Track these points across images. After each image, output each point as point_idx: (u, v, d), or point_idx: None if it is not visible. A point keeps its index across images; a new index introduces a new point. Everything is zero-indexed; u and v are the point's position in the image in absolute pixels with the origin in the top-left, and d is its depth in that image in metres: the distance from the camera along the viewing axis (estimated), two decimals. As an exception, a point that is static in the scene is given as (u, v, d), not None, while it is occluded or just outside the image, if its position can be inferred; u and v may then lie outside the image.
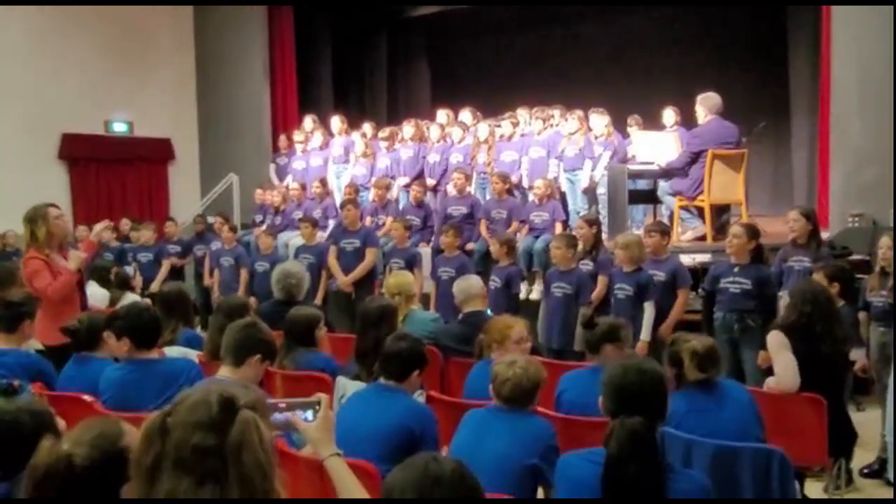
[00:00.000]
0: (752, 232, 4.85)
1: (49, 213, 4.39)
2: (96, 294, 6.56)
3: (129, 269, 7.81)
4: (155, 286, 7.76)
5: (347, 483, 1.85)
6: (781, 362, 3.60)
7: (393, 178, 8.55)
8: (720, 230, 6.73)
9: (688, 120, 7.59)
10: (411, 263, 6.42)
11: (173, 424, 1.41)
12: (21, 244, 5.07)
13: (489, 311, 4.77)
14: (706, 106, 6.82)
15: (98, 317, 3.79)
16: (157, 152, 11.25)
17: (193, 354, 4.03)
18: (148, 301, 5.92)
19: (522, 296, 6.48)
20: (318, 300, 6.66)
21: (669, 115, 7.94)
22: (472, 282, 4.79)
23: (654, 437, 2.08)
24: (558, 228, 7.04)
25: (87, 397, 3.33)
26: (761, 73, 10.45)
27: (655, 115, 8.09)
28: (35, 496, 1.57)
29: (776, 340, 3.66)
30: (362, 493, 1.85)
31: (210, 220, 8.73)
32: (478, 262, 6.91)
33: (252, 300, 6.11)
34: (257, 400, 1.52)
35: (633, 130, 8.09)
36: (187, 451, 1.38)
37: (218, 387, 1.48)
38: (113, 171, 10.85)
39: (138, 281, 7.90)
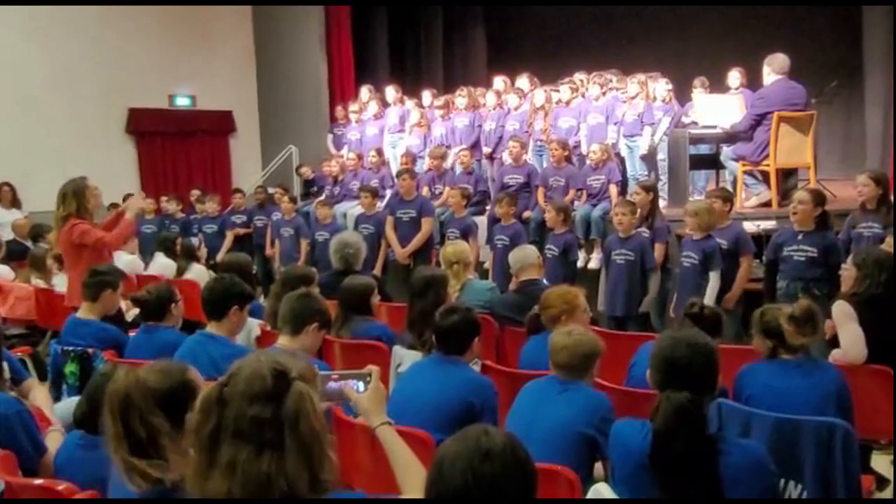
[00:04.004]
0: (819, 198, 4.67)
1: (90, 185, 4.64)
2: (162, 264, 6.80)
3: (195, 241, 8.04)
4: (220, 256, 7.99)
5: (397, 450, 1.90)
6: (848, 333, 3.48)
7: (448, 147, 8.53)
8: (786, 195, 6.50)
9: (753, 82, 7.31)
10: (466, 233, 6.43)
11: (230, 396, 1.48)
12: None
13: (544, 281, 4.76)
14: (772, 66, 6.56)
15: (166, 288, 3.91)
16: (219, 125, 11.49)
17: (255, 324, 4.15)
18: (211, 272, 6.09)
19: (580, 264, 6.43)
20: (378, 270, 6.74)
21: (734, 76, 7.66)
22: (528, 251, 4.77)
23: (702, 412, 2.04)
24: (612, 190, 6.94)
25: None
26: (833, 29, 9.96)
27: (721, 78, 7.82)
28: (114, 418, 1.82)
29: (842, 310, 3.54)
30: (413, 460, 1.89)
31: (270, 191, 8.89)
32: (534, 231, 6.86)
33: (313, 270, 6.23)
34: (306, 368, 1.57)
35: (698, 93, 7.83)
36: (245, 422, 1.45)
37: (269, 358, 1.53)
38: (177, 144, 11.13)
39: (203, 252, 8.14)
